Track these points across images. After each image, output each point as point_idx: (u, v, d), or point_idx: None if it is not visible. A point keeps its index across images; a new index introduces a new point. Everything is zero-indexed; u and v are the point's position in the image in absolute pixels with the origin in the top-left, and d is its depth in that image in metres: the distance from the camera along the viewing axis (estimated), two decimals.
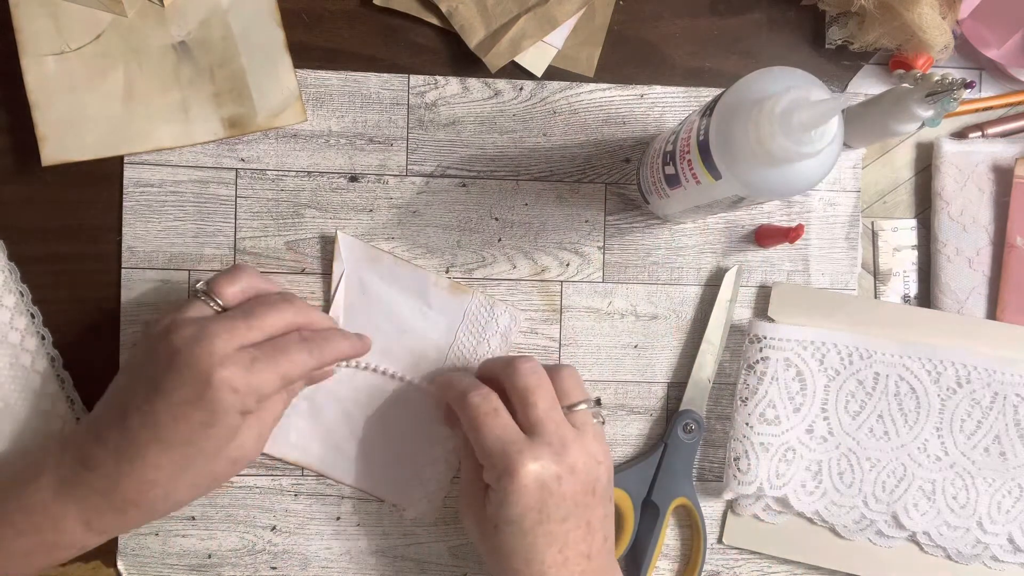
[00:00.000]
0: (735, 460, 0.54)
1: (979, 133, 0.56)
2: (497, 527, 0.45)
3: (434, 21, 0.54)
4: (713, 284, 0.56)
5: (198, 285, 0.46)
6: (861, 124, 0.52)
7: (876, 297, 0.57)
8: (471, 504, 0.47)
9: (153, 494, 0.43)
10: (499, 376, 0.48)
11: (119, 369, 0.47)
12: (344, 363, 0.53)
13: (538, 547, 0.44)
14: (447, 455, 0.54)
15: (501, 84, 0.55)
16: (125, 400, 0.43)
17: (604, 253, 0.55)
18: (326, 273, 0.54)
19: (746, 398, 0.54)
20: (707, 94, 0.56)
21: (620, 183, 0.56)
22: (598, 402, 0.49)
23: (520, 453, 0.44)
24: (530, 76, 0.55)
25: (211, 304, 0.46)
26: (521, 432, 0.45)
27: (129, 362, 0.46)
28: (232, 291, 0.46)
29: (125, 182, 0.53)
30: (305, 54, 0.54)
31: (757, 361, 0.54)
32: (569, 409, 0.47)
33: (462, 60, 0.54)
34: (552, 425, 0.45)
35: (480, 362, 0.52)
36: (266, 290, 0.48)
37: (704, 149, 0.41)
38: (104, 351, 0.53)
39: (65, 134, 0.50)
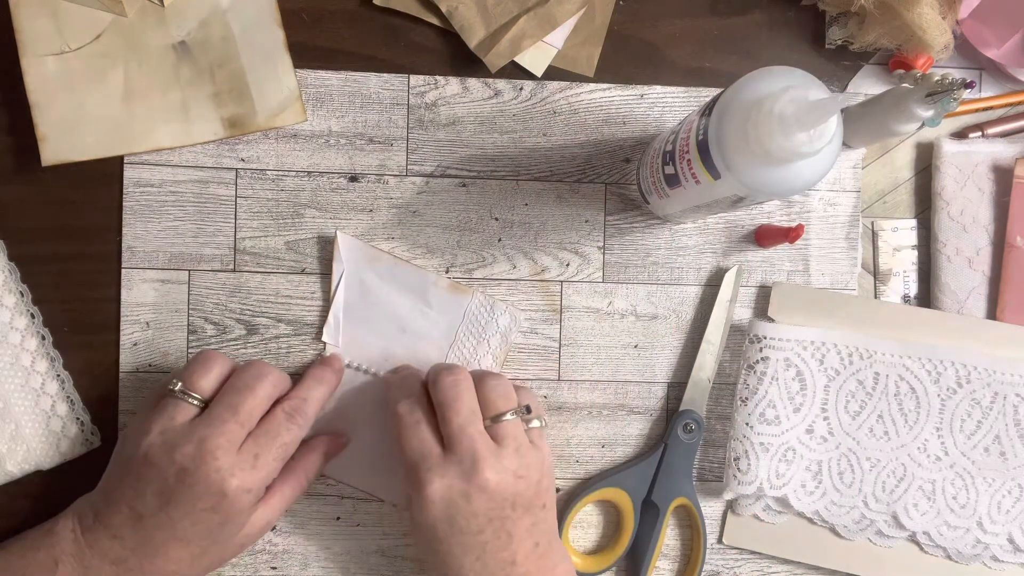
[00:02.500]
0: (735, 460, 0.54)
1: (979, 133, 0.56)
2: (416, 530, 0.47)
3: (434, 21, 0.54)
4: (713, 284, 0.56)
5: (174, 387, 0.46)
6: (861, 124, 0.52)
7: (876, 297, 0.57)
8: (406, 503, 0.50)
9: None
10: (429, 378, 0.49)
11: (111, 466, 0.48)
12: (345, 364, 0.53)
13: (454, 554, 0.46)
14: None
15: (501, 84, 0.55)
16: (134, 504, 0.45)
17: (604, 253, 0.55)
18: (326, 273, 0.54)
19: (746, 398, 0.54)
20: (707, 94, 0.56)
21: (620, 183, 0.56)
22: (528, 410, 0.48)
23: (429, 470, 0.45)
24: (530, 76, 0.55)
25: (192, 402, 0.46)
26: (438, 446, 0.46)
27: (120, 465, 0.47)
28: (208, 383, 0.47)
29: (125, 182, 0.53)
30: (305, 54, 0.54)
31: (757, 361, 0.54)
32: (493, 421, 0.47)
33: (462, 60, 0.54)
34: (466, 441, 0.45)
35: (447, 362, 0.53)
36: (234, 365, 0.49)
37: (703, 149, 0.41)
38: (104, 351, 0.53)
39: (65, 134, 0.50)
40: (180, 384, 0.46)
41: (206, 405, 0.46)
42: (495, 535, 0.46)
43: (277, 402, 0.48)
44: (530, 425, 0.48)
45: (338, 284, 0.53)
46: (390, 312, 0.54)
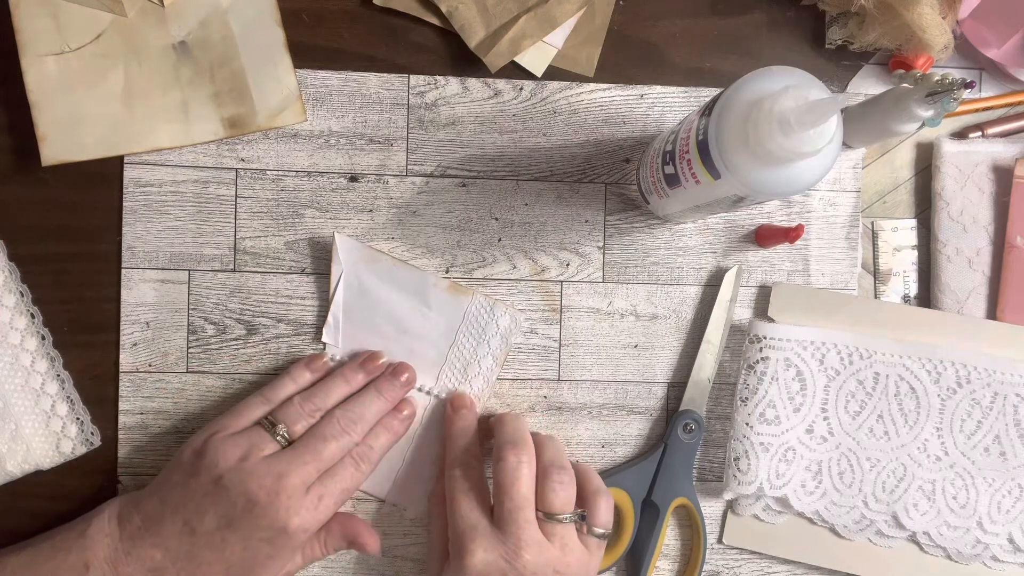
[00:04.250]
0: (735, 460, 0.54)
1: (979, 133, 0.56)
2: None
3: (434, 21, 0.54)
4: (713, 284, 0.56)
5: (276, 424, 0.48)
6: (861, 124, 0.52)
7: (876, 297, 0.57)
8: (434, 562, 0.50)
9: None
10: (496, 445, 0.49)
11: (169, 471, 0.48)
12: (336, 361, 0.53)
13: None
14: None
15: (501, 84, 0.55)
16: (191, 520, 0.46)
17: (604, 253, 0.55)
18: (326, 273, 0.54)
19: (746, 398, 0.54)
20: (707, 94, 0.56)
21: (620, 183, 0.56)
22: (582, 517, 0.48)
23: (474, 541, 0.46)
24: (530, 76, 0.55)
25: (280, 440, 0.48)
26: (486, 518, 0.47)
27: (182, 476, 0.47)
28: (300, 428, 0.49)
29: (125, 182, 0.53)
30: (305, 54, 0.54)
31: (757, 361, 0.54)
32: (546, 516, 0.47)
33: (462, 60, 0.54)
34: (514, 526, 0.46)
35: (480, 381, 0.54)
36: (329, 404, 0.50)
37: (703, 149, 0.41)
38: (104, 351, 0.53)
39: (65, 134, 0.50)
40: (283, 427, 0.48)
41: (291, 442, 0.48)
42: None
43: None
44: (591, 532, 0.48)
45: (337, 285, 0.53)
46: (389, 313, 0.54)
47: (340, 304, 0.53)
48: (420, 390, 0.54)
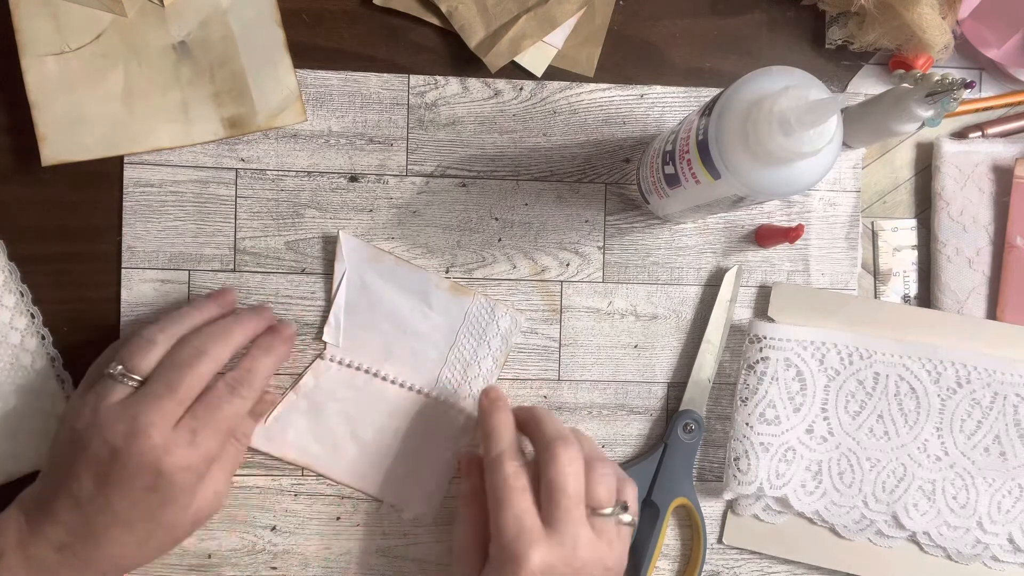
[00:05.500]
0: (735, 460, 0.54)
1: (979, 133, 0.56)
2: None
3: (434, 21, 0.54)
4: (713, 284, 0.56)
5: (113, 370, 0.45)
6: (861, 124, 0.52)
7: (876, 297, 0.57)
8: (464, 564, 0.48)
9: (124, 562, 0.45)
10: (535, 446, 0.48)
11: (49, 450, 0.47)
12: (336, 361, 0.53)
13: None
14: (446, 456, 0.54)
15: (501, 84, 0.55)
16: (71, 487, 0.44)
17: (604, 253, 0.55)
18: (327, 273, 0.54)
19: (746, 398, 0.54)
20: (707, 94, 0.56)
21: (620, 183, 0.56)
22: (624, 507, 0.48)
23: (531, 545, 0.44)
24: (530, 76, 0.55)
25: (129, 383, 0.45)
26: (539, 520, 0.45)
27: (56, 448, 0.46)
28: (148, 363, 0.45)
29: (125, 182, 0.53)
30: (305, 54, 0.54)
31: (757, 361, 0.54)
32: (593, 511, 0.46)
33: (462, 60, 0.54)
34: (571, 525, 0.44)
35: (493, 391, 0.51)
36: (179, 336, 0.47)
37: (703, 149, 0.41)
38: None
39: (65, 134, 0.50)
40: (120, 367, 0.45)
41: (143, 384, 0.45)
42: None
43: (220, 373, 0.46)
44: (623, 520, 0.48)
45: (339, 284, 0.53)
46: (391, 312, 0.54)
47: (342, 303, 0.53)
48: (420, 391, 0.54)
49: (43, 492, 0.45)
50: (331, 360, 0.53)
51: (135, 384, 0.45)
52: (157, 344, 0.46)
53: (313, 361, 0.54)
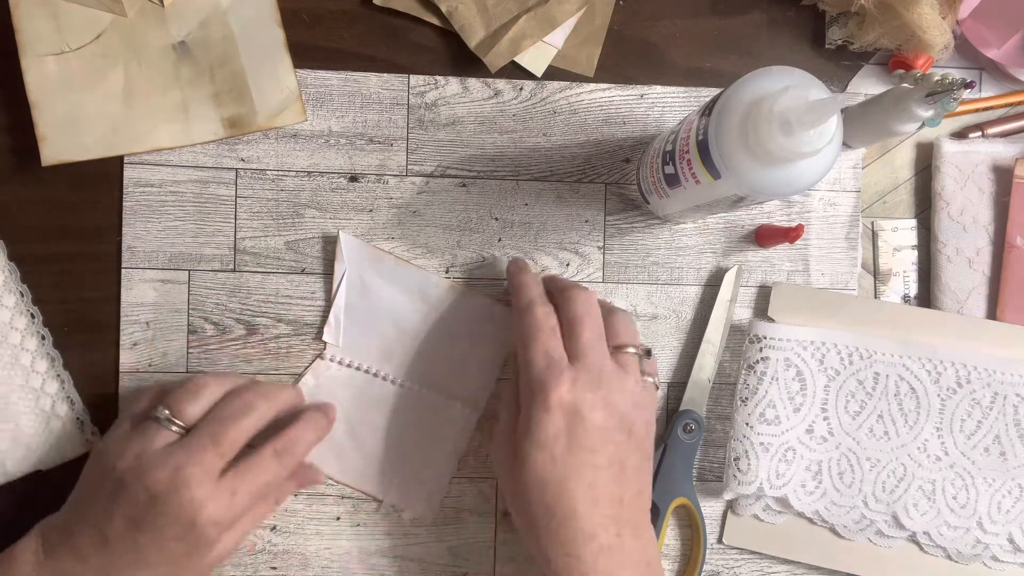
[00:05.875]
0: (735, 460, 0.54)
1: (979, 133, 0.56)
2: (527, 457, 0.44)
3: (434, 21, 0.54)
4: (713, 284, 0.56)
5: (160, 414, 0.45)
6: (861, 124, 0.52)
7: (876, 297, 0.57)
8: (503, 445, 0.47)
9: None
10: (555, 299, 0.48)
11: (80, 485, 0.47)
12: (336, 361, 0.53)
13: (568, 479, 0.44)
14: (446, 456, 0.54)
15: (501, 84, 0.55)
16: (101, 526, 0.44)
17: (604, 253, 0.55)
18: (327, 273, 0.54)
19: (746, 398, 0.54)
20: (707, 94, 0.56)
21: (620, 183, 0.56)
22: (648, 353, 0.48)
23: (558, 376, 0.44)
24: (530, 76, 0.55)
25: (173, 429, 0.45)
26: (566, 357, 0.45)
27: (90, 485, 0.46)
28: (195, 410, 0.46)
29: (125, 182, 0.53)
30: (305, 54, 0.54)
31: (757, 361, 0.54)
32: (616, 350, 0.47)
33: (462, 60, 0.54)
34: (594, 355, 0.45)
35: (543, 278, 0.52)
36: (227, 390, 0.48)
37: (703, 149, 0.41)
38: (104, 351, 0.53)
39: (65, 134, 0.50)
40: (167, 412, 0.45)
41: (188, 432, 0.45)
42: (608, 461, 0.45)
43: (267, 437, 0.47)
44: (645, 378, 0.48)
45: (339, 283, 0.53)
46: (390, 312, 0.54)
47: (342, 304, 0.53)
48: (419, 391, 0.54)
49: (69, 525, 0.45)
50: (331, 360, 0.53)
51: (179, 431, 0.45)
52: (205, 393, 0.46)
53: (313, 361, 0.54)
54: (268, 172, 0.54)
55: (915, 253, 0.57)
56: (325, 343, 0.54)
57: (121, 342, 0.53)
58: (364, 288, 0.53)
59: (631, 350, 0.47)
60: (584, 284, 0.55)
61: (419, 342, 0.54)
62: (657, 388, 0.49)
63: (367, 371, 0.54)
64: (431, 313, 0.54)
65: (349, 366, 0.53)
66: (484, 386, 0.54)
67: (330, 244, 0.54)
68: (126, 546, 0.43)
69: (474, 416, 0.54)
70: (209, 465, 0.44)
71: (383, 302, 0.53)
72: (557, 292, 0.49)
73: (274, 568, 0.53)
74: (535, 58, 0.54)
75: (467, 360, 0.54)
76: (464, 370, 0.54)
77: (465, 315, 0.54)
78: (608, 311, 0.48)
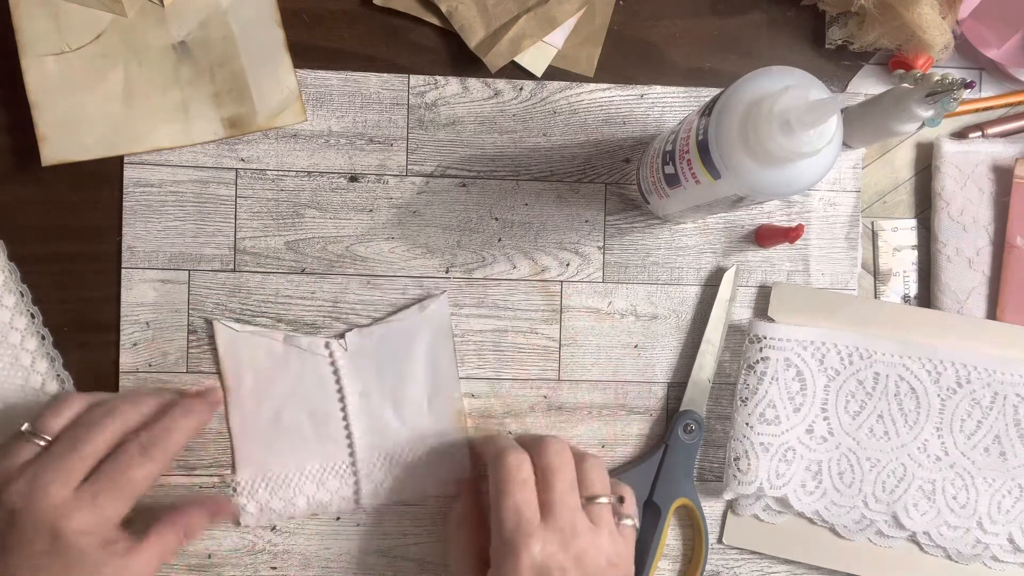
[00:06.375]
0: (735, 460, 0.54)
1: (979, 133, 0.56)
2: None
3: (434, 21, 0.54)
4: (713, 284, 0.56)
5: (23, 427, 0.44)
6: (861, 124, 0.52)
7: (876, 297, 0.57)
8: (469, 567, 0.48)
9: None
10: (528, 448, 0.48)
11: None
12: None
13: None
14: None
15: (501, 84, 0.55)
16: None
17: (604, 253, 0.55)
18: (326, 273, 0.54)
19: (746, 398, 0.54)
20: (707, 94, 0.56)
21: (620, 183, 0.56)
22: (621, 500, 0.47)
23: (529, 535, 0.43)
24: (530, 76, 0.55)
25: (38, 442, 0.43)
26: (538, 512, 0.45)
27: None
28: (59, 422, 0.44)
29: (125, 182, 0.53)
30: (305, 54, 0.54)
31: (757, 361, 0.54)
32: (588, 501, 0.46)
33: (462, 60, 0.54)
34: (566, 512, 0.44)
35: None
36: (91, 403, 0.46)
37: (703, 149, 0.41)
38: (104, 351, 0.53)
39: (65, 134, 0.50)
40: (28, 425, 0.44)
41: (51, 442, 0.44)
42: None
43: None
44: (622, 522, 0.47)
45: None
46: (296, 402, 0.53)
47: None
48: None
49: None
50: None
51: (43, 444, 0.44)
52: (70, 406, 0.45)
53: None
54: (268, 172, 0.54)
55: (915, 253, 0.57)
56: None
57: (121, 342, 0.53)
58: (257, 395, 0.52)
59: (603, 499, 0.46)
60: (584, 284, 0.55)
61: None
62: (636, 528, 0.48)
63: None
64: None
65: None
66: (450, 395, 0.54)
67: (331, 244, 0.54)
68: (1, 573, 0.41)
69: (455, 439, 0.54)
70: (69, 472, 0.42)
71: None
72: (530, 441, 0.48)
73: (274, 568, 0.53)
74: (535, 58, 0.54)
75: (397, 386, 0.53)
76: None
77: (379, 346, 0.53)
78: (579, 458, 0.47)
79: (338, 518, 0.54)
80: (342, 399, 0.53)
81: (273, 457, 0.52)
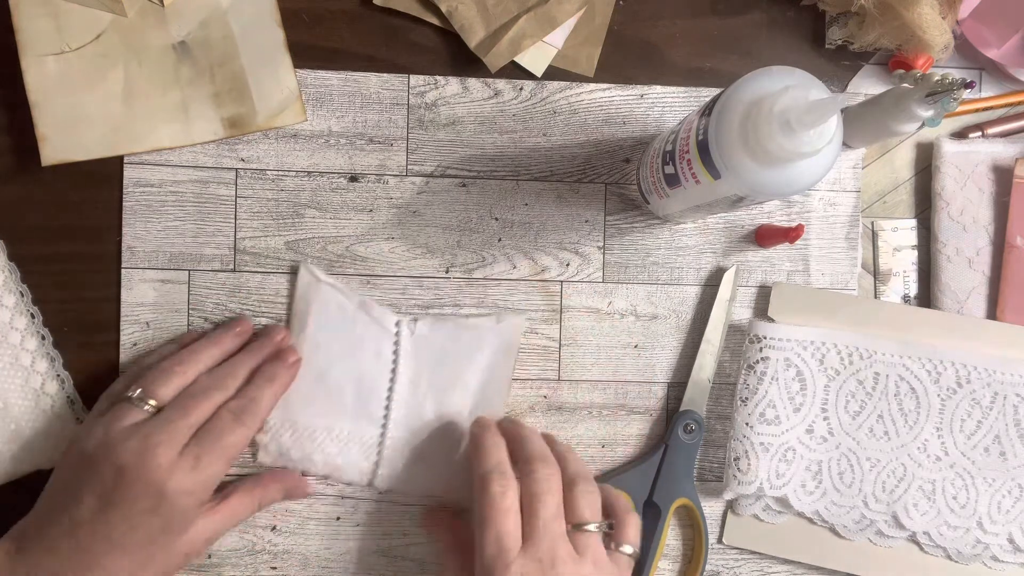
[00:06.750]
0: (735, 460, 0.54)
1: (979, 133, 0.56)
2: None
3: (434, 21, 0.54)
4: (713, 284, 0.56)
5: (132, 393, 0.46)
6: (861, 124, 0.52)
7: (876, 297, 0.57)
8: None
9: None
10: (517, 463, 0.47)
11: (53, 475, 0.47)
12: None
13: None
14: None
15: (501, 84, 0.55)
16: (71, 511, 0.43)
17: (604, 253, 0.55)
18: (328, 273, 0.54)
19: (746, 398, 0.54)
20: (707, 94, 0.56)
21: (620, 183, 0.56)
22: (610, 527, 0.47)
23: (507, 566, 0.43)
24: (530, 76, 0.55)
25: (146, 408, 0.46)
26: (520, 539, 0.44)
27: (62, 472, 0.46)
28: (167, 392, 0.47)
29: (125, 182, 0.53)
30: (305, 54, 0.54)
31: (757, 361, 0.54)
32: (575, 528, 0.45)
33: (462, 60, 0.54)
34: (547, 540, 0.44)
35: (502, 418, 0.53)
36: (200, 367, 0.49)
37: (703, 149, 0.41)
38: (104, 351, 0.53)
39: (65, 134, 0.50)
40: (140, 391, 0.46)
41: (160, 409, 0.46)
42: None
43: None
44: (621, 549, 0.47)
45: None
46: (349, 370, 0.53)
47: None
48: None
49: (39, 519, 0.45)
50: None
51: (151, 409, 0.46)
52: (177, 375, 0.47)
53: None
54: (268, 172, 0.54)
55: (915, 253, 0.57)
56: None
57: (121, 342, 0.53)
58: (316, 349, 0.53)
59: (591, 527, 0.45)
60: (584, 284, 0.55)
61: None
62: (635, 557, 0.48)
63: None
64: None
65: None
66: (495, 399, 0.54)
67: (331, 244, 0.54)
68: (97, 528, 0.43)
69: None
70: (176, 435, 0.44)
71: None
72: (521, 460, 0.47)
73: (274, 568, 0.53)
74: (535, 58, 0.54)
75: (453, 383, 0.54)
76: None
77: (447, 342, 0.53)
78: (570, 482, 0.47)
79: (338, 518, 0.54)
80: (392, 379, 0.53)
81: (307, 409, 0.52)
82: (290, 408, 0.52)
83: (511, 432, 0.50)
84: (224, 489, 0.49)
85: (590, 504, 0.46)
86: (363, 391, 0.53)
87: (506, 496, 0.45)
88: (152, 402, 0.46)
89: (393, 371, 0.53)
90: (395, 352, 0.53)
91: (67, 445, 0.47)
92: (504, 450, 0.48)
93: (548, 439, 0.51)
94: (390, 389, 0.53)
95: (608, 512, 0.48)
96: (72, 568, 0.43)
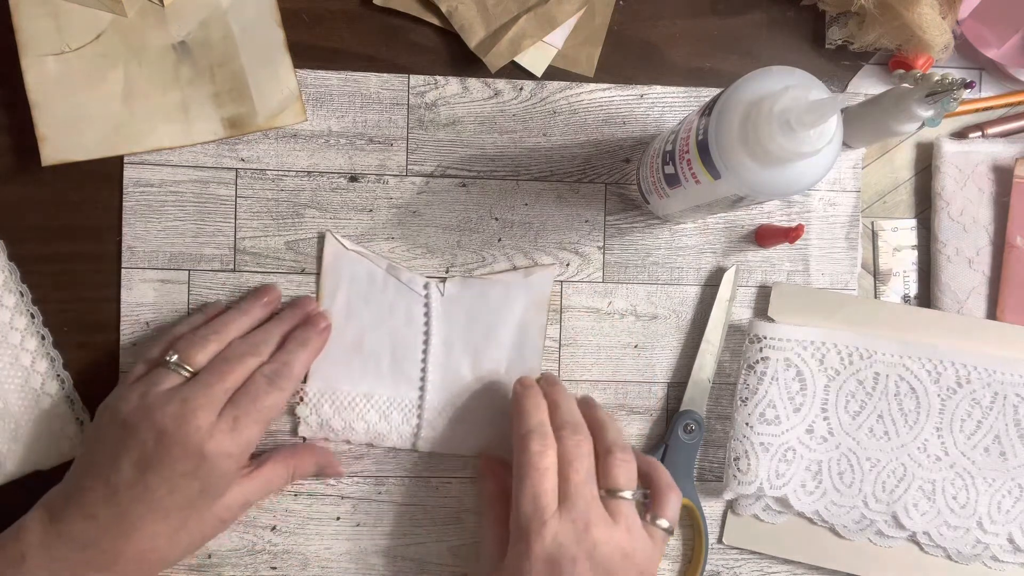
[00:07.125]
0: (735, 460, 0.54)
1: (979, 133, 0.56)
2: (505, 573, 0.45)
3: (434, 21, 0.54)
4: (713, 284, 0.56)
5: (169, 358, 0.47)
6: (861, 124, 0.52)
7: (876, 297, 0.57)
8: (492, 556, 0.48)
9: (152, 559, 0.45)
10: (555, 429, 0.48)
11: (85, 443, 0.47)
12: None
13: None
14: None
15: (501, 84, 0.55)
16: (109, 476, 0.44)
17: (604, 253, 0.55)
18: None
19: (746, 398, 0.54)
20: (707, 94, 0.56)
21: (620, 183, 0.56)
22: (645, 495, 0.47)
23: (543, 524, 0.44)
24: (530, 76, 0.55)
25: (183, 373, 0.47)
26: (556, 500, 0.45)
27: (96, 439, 0.46)
28: (202, 358, 0.47)
29: (125, 182, 0.53)
30: (305, 54, 0.54)
31: (757, 361, 0.54)
32: (609, 494, 0.46)
33: (462, 60, 0.54)
34: (582, 502, 0.44)
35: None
36: (233, 334, 0.49)
37: (703, 149, 0.41)
38: (104, 351, 0.53)
39: (65, 134, 0.50)
40: (176, 357, 0.47)
41: (194, 374, 0.47)
42: None
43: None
44: (657, 522, 0.47)
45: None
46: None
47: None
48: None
49: (73, 487, 0.45)
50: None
51: (187, 375, 0.47)
52: (212, 342, 0.48)
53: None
54: (268, 172, 0.54)
55: (915, 253, 0.57)
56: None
57: (121, 342, 0.53)
58: (349, 315, 0.53)
59: (627, 494, 0.46)
60: (584, 284, 0.55)
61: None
62: (670, 533, 0.48)
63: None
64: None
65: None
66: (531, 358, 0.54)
67: (330, 244, 0.54)
68: (136, 493, 0.43)
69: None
70: (215, 397, 0.45)
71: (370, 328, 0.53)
72: (554, 427, 0.48)
73: (274, 568, 0.53)
74: (535, 58, 0.54)
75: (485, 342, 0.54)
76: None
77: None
78: (606, 450, 0.47)
79: (338, 518, 0.54)
80: (426, 341, 0.53)
81: (345, 378, 0.53)
82: (328, 378, 0.53)
83: (548, 396, 0.50)
84: (259, 457, 0.50)
85: (625, 472, 0.47)
86: (398, 356, 0.53)
87: (545, 456, 0.46)
88: (188, 367, 0.47)
89: (426, 334, 0.53)
90: (426, 315, 0.53)
91: (96, 416, 0.47)
92: (545, 411, 0.49)
93: (589, 404, 0.51)
94: (424, 352, 0.53)
95: (647, 484, 0.49)
96: (111, 534, 0.43)
